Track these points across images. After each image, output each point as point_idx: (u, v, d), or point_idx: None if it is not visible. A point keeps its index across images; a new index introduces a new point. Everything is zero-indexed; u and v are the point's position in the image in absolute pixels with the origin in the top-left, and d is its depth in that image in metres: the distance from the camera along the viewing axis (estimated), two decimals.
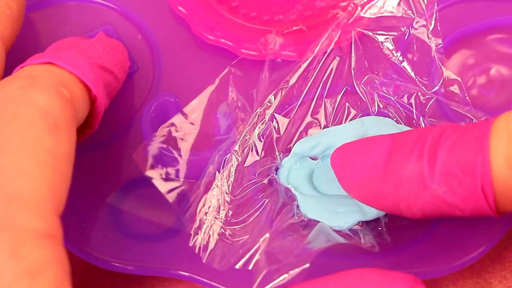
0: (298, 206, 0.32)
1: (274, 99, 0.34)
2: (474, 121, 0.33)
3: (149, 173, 0.31)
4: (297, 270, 0.27)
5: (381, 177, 0.28)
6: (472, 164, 0.26)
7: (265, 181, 0.33)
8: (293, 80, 0.34)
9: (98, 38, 0.32)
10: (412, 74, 0.34)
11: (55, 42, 0.32)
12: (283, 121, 0.34)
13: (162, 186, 0.31)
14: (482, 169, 0.26)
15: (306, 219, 0.32)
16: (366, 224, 0.32)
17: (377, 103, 0.34)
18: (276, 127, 0.34)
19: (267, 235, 0.29)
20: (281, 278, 0.27)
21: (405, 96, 0.34)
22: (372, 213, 0.31)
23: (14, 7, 0.31)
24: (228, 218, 0.31)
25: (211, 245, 0.30)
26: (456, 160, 0.26)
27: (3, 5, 0.31)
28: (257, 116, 0.33)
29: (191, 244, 0.30)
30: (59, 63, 0.28)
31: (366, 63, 0.35)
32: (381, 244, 0.31)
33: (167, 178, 0.31)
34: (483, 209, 0.27)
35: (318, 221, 0.31)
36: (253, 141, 0.33)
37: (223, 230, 0.30)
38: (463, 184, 0.26)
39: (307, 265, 0.27)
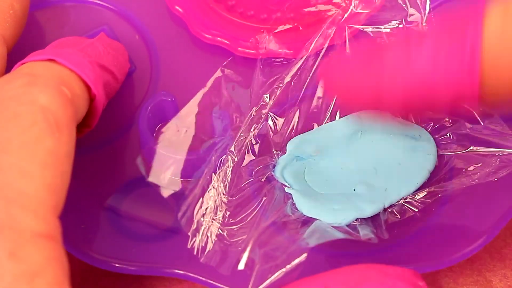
0: (294, 204, 0.32)
1: (269, 98, 0.34)
2: None
3: (152, 178, 0.31)
4: (293, 263, 0.27)
5: (364, 66, 0.27)
6: (463, 33, 0.25)
7: (263, 179, 0.33)
8: (287, 79, 0.34)
9: (100, 38, 0.32)
10: None
11: (56, 40, 0.31)
12: (278, 120, 0.34)
13: (162, 190, 0.31)
14: (472, 36, 0.25)
15: (303, 216, 0.32)
16: (364, 221, 0.32)
17: None
18: (272, 127, 0.34)
19: (256, 234, 0.29)
20: (276, 274, 0.28)
21: None
22: (369, 209, 0.31)
23: (17, 8, 0.31)
24: (226, 219, 0.31)
25: (209, 247, 0.30)
26: (446, 32, 0.25)
27: (7, 5, 0.31)
28: (252, 116, 0.33)
29: (189, 246, 0.30)
30: (60, 60, 0.28)
31: None
32: (380, 240, 0.31)
33: (165, 181, 0.32)
34: (467, 86, 0.25)
35: (316, 219, 0.31)
36: (249, 141, 0.33)
37: (220, 231, 0.30)
38: (450, 56, 0.25)
39: (304, 256, 0.27)
